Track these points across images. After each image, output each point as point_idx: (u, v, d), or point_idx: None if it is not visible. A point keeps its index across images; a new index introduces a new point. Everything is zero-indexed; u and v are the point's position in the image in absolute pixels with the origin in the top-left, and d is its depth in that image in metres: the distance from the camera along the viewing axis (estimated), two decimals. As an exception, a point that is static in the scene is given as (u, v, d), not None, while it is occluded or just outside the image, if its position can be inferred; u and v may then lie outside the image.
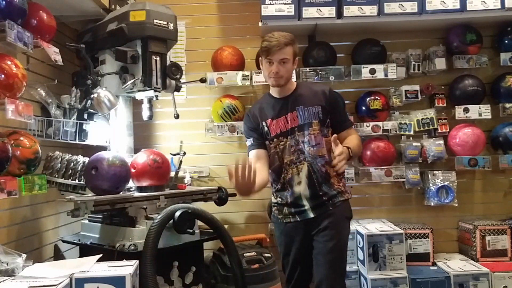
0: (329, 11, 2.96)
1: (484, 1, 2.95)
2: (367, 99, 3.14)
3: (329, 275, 2.19)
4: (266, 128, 2.32)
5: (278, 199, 2.36)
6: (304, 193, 2.25)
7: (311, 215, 2.26)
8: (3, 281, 1.53)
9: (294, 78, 3.03)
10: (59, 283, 1.47)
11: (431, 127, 3.13)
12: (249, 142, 2.39)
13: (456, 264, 2.95)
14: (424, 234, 3.04)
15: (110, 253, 2.04)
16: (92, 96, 2.40)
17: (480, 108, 3.10)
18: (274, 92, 2.37)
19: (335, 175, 2.28)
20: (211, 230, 2.40)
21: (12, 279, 1.56)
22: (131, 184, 2.42)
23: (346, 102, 3.18)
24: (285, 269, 2.42)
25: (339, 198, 2.27)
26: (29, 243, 2.34)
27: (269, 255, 2.80)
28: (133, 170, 2.37)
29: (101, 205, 2.11)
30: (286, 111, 2.28)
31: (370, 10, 2.96)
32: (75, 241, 2.45)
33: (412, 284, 2.79)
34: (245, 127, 2.42)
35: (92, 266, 1.67)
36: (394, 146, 3.16)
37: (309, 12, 2.96)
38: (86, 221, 2.46)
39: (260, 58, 2.31)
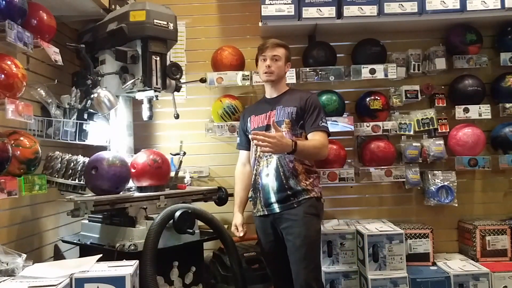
0: (329, 11, 2.96)
1: (484, 1, 2.95)
2: (367, 99, 3.14)
3: (302, 270, 2.29)
4: (248, 124, 2.57)
5: (252, 192, 2.48)
6: (271, 185, 2.38)
7: (277, 209, 2.37)
8: (3, 281, 1.53)
9: (294, 80, 3.06)
10: (59, 283, 1.48)
11: (431, 127, 3.14)
12: (238, 139, 2.73)
13: (456, 264, 2.95)
14: (424, 234, 3.04)
15: (110, 253, 2.04)
16: (92, 96, 2.40)
17: (480, 108, 3.10)
18: (267, 93, 2.59)
19: (304, 172, 2.40)
20: (211, 230, 2.40)
21: (12, 279, 1.56)
22: (131, 184, 2.42)
23: (346, 102, 3.18)
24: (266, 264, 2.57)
25: (304, 196, 2.36)
26: (29, 243, 2.34)
27: (269, 255, 2.79)
28: (133, 170, 2.37)
29: (101, 205, 2.11)
30: (268, 109, 2.50)
31: (370, 10, 2.96)
32: (75, 241, 2.45)
33: (412, 284, 2.78)
34: (239, 124, 2.73)
35: (92, 266, 1.67)
36: (394, 146, 3.15)
37: (309, 12, 2.96)
38: (86, 221, 2.46)
39: (257, 62, 2.55)
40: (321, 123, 2.45)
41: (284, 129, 2.39)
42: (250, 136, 2.39)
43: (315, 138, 2.41)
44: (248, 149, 2.61)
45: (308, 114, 2.44)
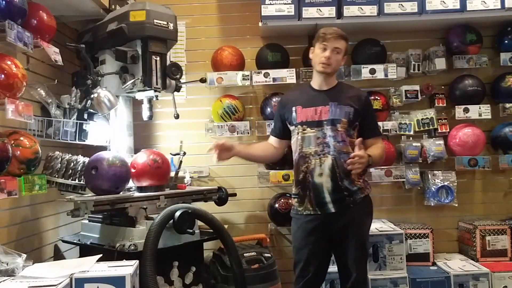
0: (329, 11, 2.96)
1: (484, 1, 2.95)
2: (367, 99, 3.14)
3: (355, 267, 2.29)
4: (294, 113, 2.39)
5: (299, 190, 2.36)
6: (326, 185, 2.28)
7: (332, 209, 2.29)
8: (3, 281, 1.53)
9: (294, 80, 3.05)
10: (59, 283, 1.48)
11: (431, 127, 3.14)
12: (273, 126, 2.60)
13: (456, 264, 2.95)
14: (424, 234, 3.04)
15: (110, 253, 2.04)
16: (92, 96, 2.40)
17: (480, 108, 3.10)
18: (315, 83, 2.44)
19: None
20: (211, 230, 2.40)
21: (12, 279, 1.56)
22: (131, 184, 2.42)
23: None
24: (297, 265, 2.39)
25: (360, 195, 2.32)
26: (29, 243, 2.34)
27: (269, 255, 2.80)
28: (133, 170, 2.37)
29: (101, 205, 2.11)
30: (319, 103, 2.35)
31: (370, 10, 2.96)
32: (75, 241, 2.45)
33: (412, 284, 2.79)
34: (276, 110, 2.59)
35: (92, 266, 1.67)
36: (394, 146, 3.16)
37: (309, 12, 2.96)
38: (86, 221, 2.46)
39: (312, 48, 2.40)
40: (378, 128, 2.49)
41: (340, 129, 2.30)
42: (347, 161, 2.18)
43: (378, 145, 2.38)
44: (281, 137, 2.50)
45: (368, 118, 2.39)
